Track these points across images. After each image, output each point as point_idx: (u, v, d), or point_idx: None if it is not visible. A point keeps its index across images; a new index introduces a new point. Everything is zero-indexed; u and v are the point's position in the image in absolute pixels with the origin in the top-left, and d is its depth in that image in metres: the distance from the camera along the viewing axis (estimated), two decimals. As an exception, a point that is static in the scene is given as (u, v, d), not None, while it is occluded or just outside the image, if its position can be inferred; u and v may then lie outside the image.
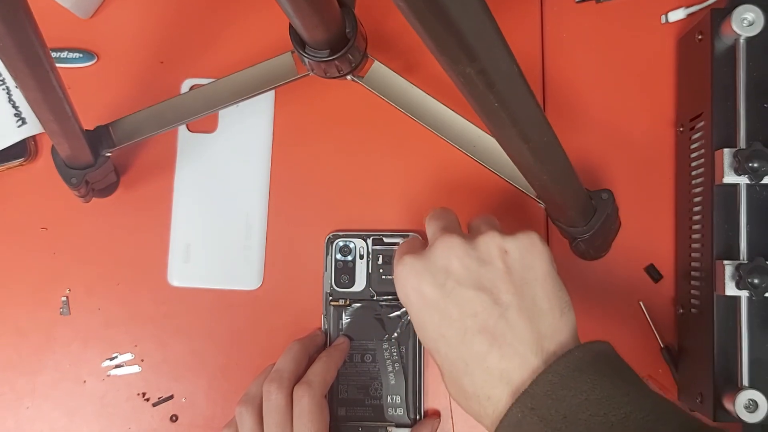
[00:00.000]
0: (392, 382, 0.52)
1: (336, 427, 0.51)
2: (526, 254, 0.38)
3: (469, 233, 0.41)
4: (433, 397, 0.53)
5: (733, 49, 0.47)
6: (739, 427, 0.48)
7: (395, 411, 0.52)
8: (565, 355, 0.34)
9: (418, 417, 0.52)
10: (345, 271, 0.53)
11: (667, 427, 0.32)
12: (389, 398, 0.52)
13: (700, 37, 0.49)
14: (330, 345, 0.52)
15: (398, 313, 0.52)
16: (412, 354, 0.52)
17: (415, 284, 0.38)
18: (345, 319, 0.53)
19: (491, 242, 0.38)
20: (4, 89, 0.55)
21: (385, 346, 0.52)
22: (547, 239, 0.53)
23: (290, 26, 0.42)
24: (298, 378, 0.48)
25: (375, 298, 0.52)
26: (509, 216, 0.53)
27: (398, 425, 0.51)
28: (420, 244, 0.43)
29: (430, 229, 0.42)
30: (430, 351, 0.39)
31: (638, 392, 0.34)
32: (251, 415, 0.47)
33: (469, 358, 0.36)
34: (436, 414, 0.52)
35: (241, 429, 0.47)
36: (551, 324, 0.36)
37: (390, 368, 0.52)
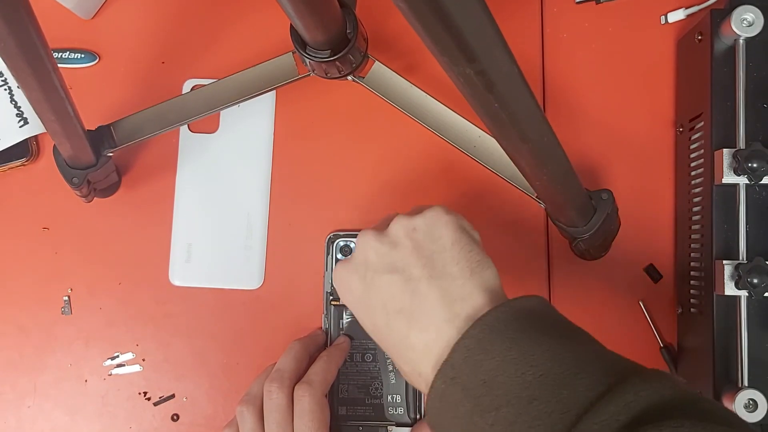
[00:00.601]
0: (392, 381, 0.52)
1: (336, 427, 0.52)
2: (432, 227, 0.38)
3: None
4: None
5: (732, 50, 0.47)
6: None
7: (395, 410, 0.52)
8: (482, 317, 0.34)
9: (418, 416, 0.52)
10: None
11: (587, 378, 0.31)
12: (389, 398, 0.52)
13: (699, 37, 0.49)
14: (331, 344, 0.52)
15: None
16: None
17: (345, 284, 0.40)
18: (345, 318, 0.53)
19: (399, 225, 0.39)
20: (6, 89, 0.55)
21: None
22: (547, 239, 0.54)
23: (291, 27, 0.42)
24: (299, 377, 0.48)
25: None
26: (510, 216, 0.54)
27: (398, 424, 0.52)
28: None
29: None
30: (378, 344, 0.40)
31: (561, 346, 0.33)
32: (252, 414, 0.47)
33: (397, 341, 0.36)
34: None
35: (242, 428, 0.47)
36: (461, 286, 0.36)
37: (390, 367, 0.52)
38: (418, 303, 0.36)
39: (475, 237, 0.39)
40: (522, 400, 0.31)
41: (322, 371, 0.48)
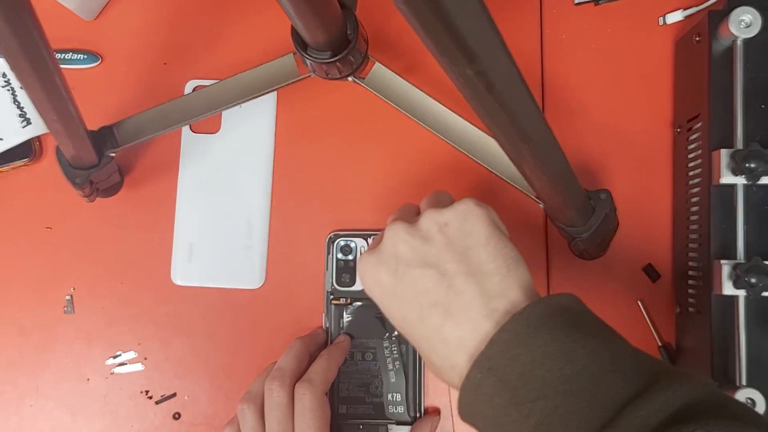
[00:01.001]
0: (393, 380, 0.52)
1: (337, 425, 0.52)
2: (464, 222, 0.38)
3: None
4: (434, 394, 0.53)
5: (730, 51, 0.47)
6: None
7: (396, 409, 0.52)
8: (520, 312, 0.34)
9: (418, 415, 0.52)
10: (346, 270, 0.53)
11: (624, 376, 0.31)
12: (390, 396, 0.52)
13: (697, 38, 0.49)
14: (331, 343, 0.53)
15: None
16: (412, 352, 0.52)
17: (373, 276, 0.40)
18: (346, 317, 0.53)
19: (430, 219, 0.39)
20: (9, 90, 0.55)
21: (386, 344, 0.52)
22: (546, 239, 0.54)
23: (292, 28, 0.42)
24: (299, 376, 0.48)
25: None
26: (509, 216, 0.54)
27: (398, 423, 0.52)
28: (378, 239, 0.43)
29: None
30: (403, 336, 0.40)
31: (599, 344, 0.33)
32: (253, 412, 0.47)
33: (429, 334, 0.37)
34: (436, 412, 0.53)
35: (242, 426, 0.48)
36: (499, 283, 0.36)
37: (390, 366, 0.52)
38: (454, 298, 0.36)
39: (505, 231, 0.39)
40: (559, 393, 0.31)
41: (323, 370, 0.48)
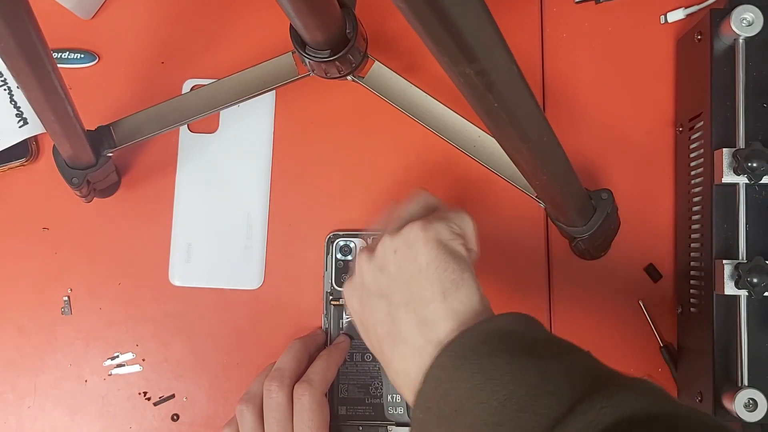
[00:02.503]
0: None
1: (336, 427, 0.52)
2: (409, 248, 0.37)
3: None
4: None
5: (732, 50, 0.47)
6: (739, 426, 0.48)
7: (395, 410, 0.52)
8: (448, 344, 0.33)
9: (418, 416, 0.52)
10: (345, 271, 0.53)
11: (550, 398, 0.30)
12: (389, 397, 0.52)
13: (699, 37, 0.49)
14: (330, 344, 0.52)
15: None
16: None
17: (348, 303, 0.42)
18: (345, 318, 0.53)
19: (384, 247, 0.38)
20: (5, 89, 0.55)
21: None
22: (547, 239, 0.54)
23: (291, 27, 0.42)
24: (298, 376, 0.48)
25: None
26: (509, 216, 0.54)
27: (398, 424, 0.52)
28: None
29: None
30: None
31: (527, 366, 0.32)
32: (252, 413, 0.47)
33: (385, 364, 0.37)
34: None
35: (241, 427, 0.47)
36: (434, 311, 0.35)
37: None
38: (398, 329, 0.36)
39: (456, 249, 0.37)
40: (489, 426, 0.31)
41: (322, 370, 0.48)
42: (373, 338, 0.39)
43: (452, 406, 0.32)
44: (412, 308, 0.36)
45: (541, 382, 0.31)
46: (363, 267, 0.40)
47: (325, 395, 0.48)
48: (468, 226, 0.40)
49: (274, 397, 0.46)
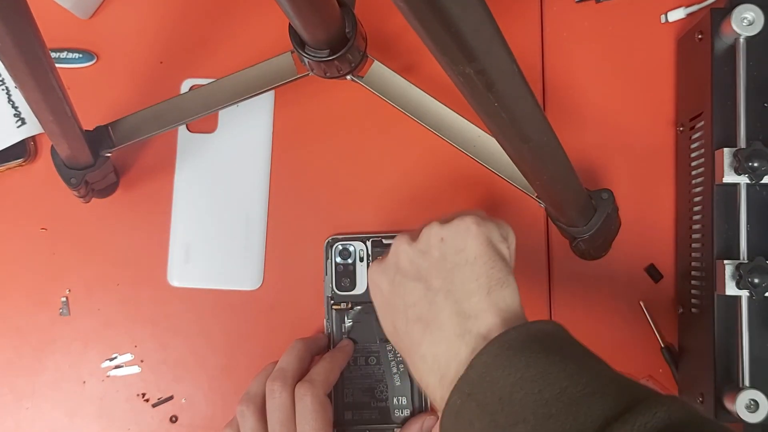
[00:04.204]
0: (397, 383, 0.52)
1: (343, 431, 0.52)
2: (459, 238, 0.38)
3: None
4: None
5: (733, 49, 0.47)
6: (741, 427, 0.48)
7: (401, 412, 0.51)
8: (500, 336, 0.34)
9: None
10: (346, 275, 0.53)
11: (604, 399, 0.31)
12: (395, 400, 0.52)
13: (700, 36, 0.49)
14: (334, 343, 0.52)
15: None
16: None
17: (375, 283, 0.42)
18: (347, 322, 0.52)
19: (430, 233, 0.39)
20: (3, 90, 0.55)
21: (389, 347, 0.52)
22: (547, 239, 0.53)
23: (290, 26, 0.42)
24: (301, 377, 0.48)
25: None
26: (509, 216, 0.53)
27: None
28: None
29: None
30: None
31: (578, 367, 0.33)
32: (252, 413, 0.47)
33: (411, 348, 0.37)
34: (435, 410, 0.52)
35: (242, 428, 0.47)
36: (477, 303, 0.36)
37: (395, 370, 0.52)
38: (434, 315, 0.36)
39: (503, 251, 0.39)
40: (538, 417, 0.31)
41: (325, 371, 0.48)
42: (399, 320, 0.38)
43: (498, 394, 0.32)
44: (452, 297, 0.36)
45: (593, 384, 0.32)
46: (401, 249, 0.40)
47: (328, 396, 0.48)
48: (512, 236, 0.41)
49: (277, 398, 0.46)
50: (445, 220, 0.40)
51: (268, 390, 0.47)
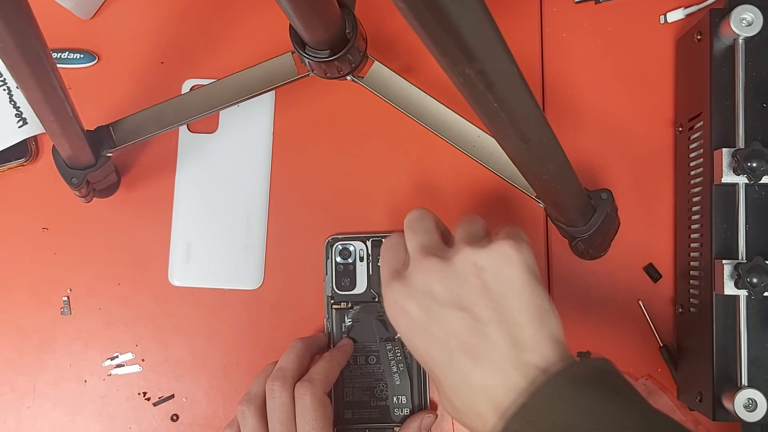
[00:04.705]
0: (397, 382, 0.52)
1: (343, 431, 0.52)
2: (500, 267, 0.38)
3: (450, 245, 0.41)
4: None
5: (731, 49, 0.47)
6: (739, 426, 0.48)
7: (401, 411, 0.52)
8: (564, 369, 0.34)
9: (422, 416, 0.52)
10: (346, 274, 0.53)
11: None
12: (395, 399, 0.52)
13: (699, 37, 0.49)
14: (334, 342, 0.52)
15: None
16: None
17: (401, 308, 0.39)
18: (347, 322, 0.53)
19: (466, 260, 0.38)
20: (5, 90, 0.55)
21: (389, 347, 0.52)
22: (546, 239, 0.54)
23: (290, 27, 0.42)
24: (300, 376, 0.48)
25: (377, 299, 0.53)
26: (509, 216, 0.53)
27: None
28: (401, 255, 0.42)
29: (410, 243, 0.42)
30: (428, 373, 0.39)
31: (639, 410, 0.33)
32: (253, 413, 0.47)
33: (456, 377, 0.36)
34: (434, 408, 0.52)
35: (243, 428, 0.47)
36: (531, 335, 0.36)
37: (395, 369, 0.52)
38: (486, 346, 0.36)
39: (538, 273, 0.39)
40: None
41: (324, 370, 0.48)
42: (437, 349, 0.37)
43: (560, 425, 0.32)
44: (505, 329, 0.36)
45: (652, 429, 0.32)
46: (433, 273, 0.38)
47: (328, 395, 0.48)
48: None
49: (277, 397, 0.46)
50: (472, 239, 0.39)
51: (268, 390, 0.47)
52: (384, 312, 0.52)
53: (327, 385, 0.48)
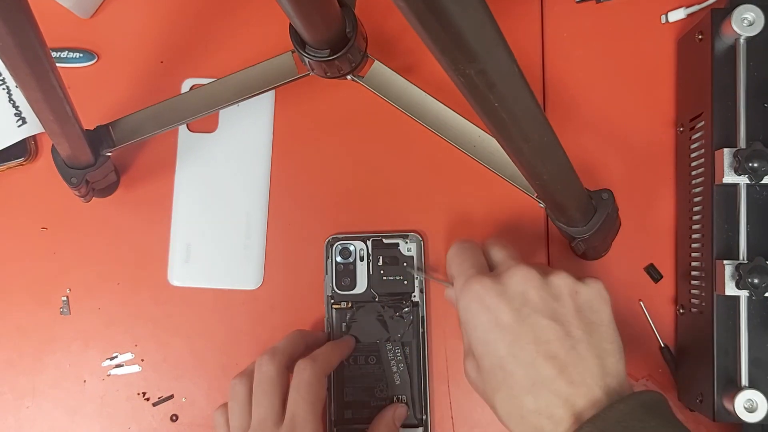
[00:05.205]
0: (398, 382, 0.52)
1: (343, 430, 0.52)
2: (594, 299, 0.42)
3: (499, 267, 0.45)
4: (439, 395, 0.53)
5: (733, 49, 0.47)
6: (739, 427, 0.48)
7: None
8: (637, 394, 0.38)
9: (424, 416, 0.52)
10: (346, 274, 0.53)
11: None
12: (395, 399, 0.52)
13: (700, 37, 0.49)
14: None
15: (401, 313, 0.52)
16: (416, 353, 0.52)
17: (490, 306, 0.41)
18: (348, 321, 0.53)
19: (564, 282, 0.42)
20: (4, 89, 0.55)
21: (389, 346, 0.52)
22: (547, 239, 0.53)
23: (290, 26, 0.42)
24: (290, 357, 0.48)
25: (377, 299, 0.52)
26: (510, 216, 0.53)
27: (405, 426, 0.51)
28: (482, 258, 0.46)
29: (500, 254, 0.46)
30: (488, 368, 0.41)
31: None
32: (244, 386, 0.47)
33: (538, 379, 0.39)
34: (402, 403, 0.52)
35: (232, 402, 0.47)
36: (614, 364, 0.40)
37: (395, 369, 0.52)
38: (576, 360, 0.39)
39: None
40: None
41: (327, 353, 0.49)
42: (525, 351, 0.39)
43: None
44: (594, 350, 0.40)
45: None
46: (531, 282, 0.41)
47: (327, 394, 0.48)
48: None
49: (264, 370, 0.46)
50: (561, 273, 0.43)
51: (256, 363, 0.47)
52: (384, 311, 0.52)
53: (328, 367, 0.48)
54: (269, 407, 0.45)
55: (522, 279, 0.41)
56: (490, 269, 0.45)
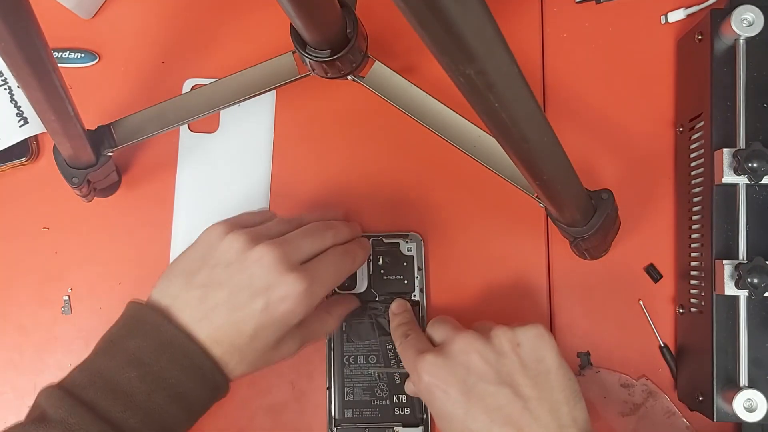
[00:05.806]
0: (398, 382, 0.52)
1: (343, 430, 0.52)
2: (536, 346, 0.41)
3: (443, 341, 0.44)
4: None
5: (732, 50, 0.47)
6: (739, 426, 0.48)
7: (402, 410, 0.52)
8: None
9: (424, 416, 0.52)
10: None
11: None
12: (395, 398, 0.52)
13: (699, 37, 0.49)
14: (334, 341, 0.52)
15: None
16: None
17: (438, 381, 0.41)
18: (348, 321, 0.53)
19: (503, 336, 0.41)
20: (6, 89, 0.55)
21: (390, 346, 0.52)
22: (547, 239, 0.54)
23: (291, 26, 0.42)
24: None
25: (378, 299, 0.53)
26: (510, 216, 0.54)
27: (406, 425, 0.51)
28: (423, 337, 0.46)
29: (441, 330, 0.45)
30: None
31: None
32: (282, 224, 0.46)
33: None
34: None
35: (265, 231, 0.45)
36: (568, 413, 0.39)
37: (395, 368, 0.52)
38: (529, 420, 0.39)
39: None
40: None
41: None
42: (478, 423, 0.39)
43: None
44: (545, 405, 0.39)
45: None
46: (472, 347, 0.41)
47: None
48: None
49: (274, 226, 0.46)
50: (502, 327, 0.42)
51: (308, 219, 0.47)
52: (384, 311, 0.52)
53: (351, 267, 0.48)
54: (309, 245, 0.45)
55: (464, 346, 0.41)
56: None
